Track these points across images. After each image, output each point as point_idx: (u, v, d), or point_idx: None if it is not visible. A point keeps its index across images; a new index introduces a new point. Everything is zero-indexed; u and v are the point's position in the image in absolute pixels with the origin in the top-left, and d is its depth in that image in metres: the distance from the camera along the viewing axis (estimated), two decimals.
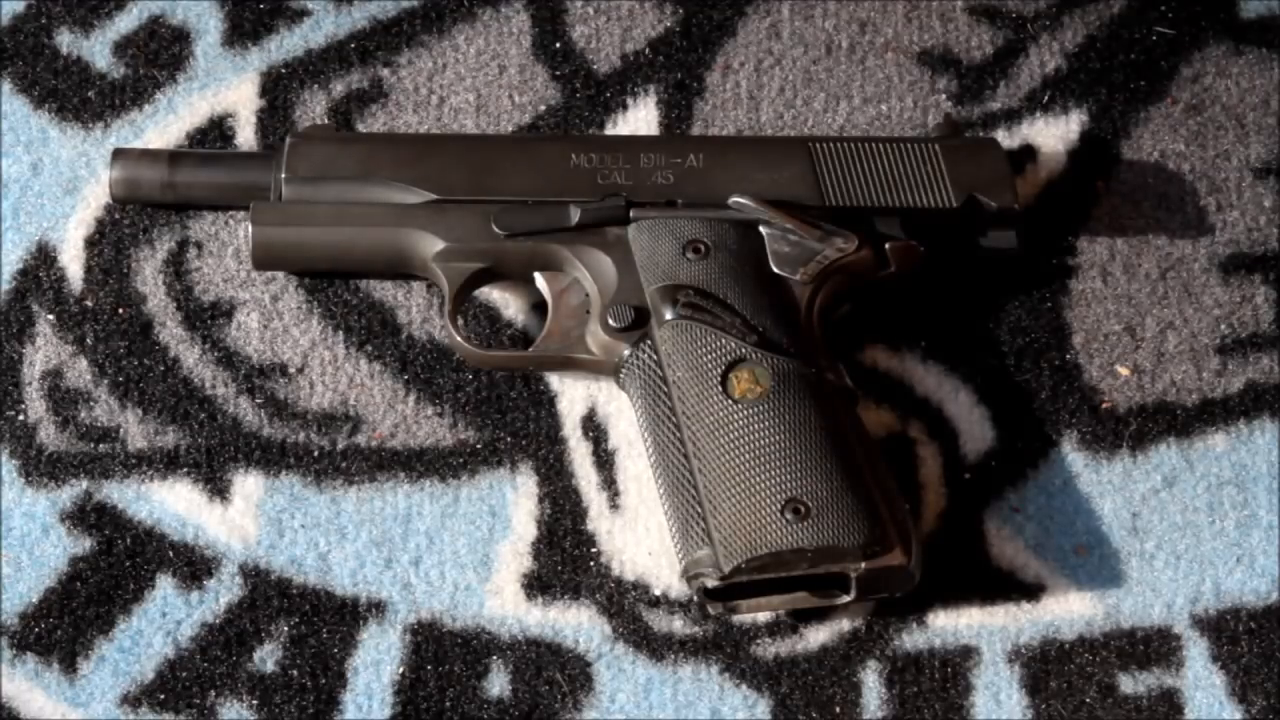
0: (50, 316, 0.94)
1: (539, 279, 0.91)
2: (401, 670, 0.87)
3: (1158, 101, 1.00)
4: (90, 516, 0.90)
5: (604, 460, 0.91)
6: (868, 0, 1.02)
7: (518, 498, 0.90)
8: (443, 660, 0.87)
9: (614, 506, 0.90)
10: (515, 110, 0.99)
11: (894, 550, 0.82)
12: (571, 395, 0.93)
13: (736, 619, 0.88)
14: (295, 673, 0.87)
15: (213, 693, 0.86)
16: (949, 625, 0.88)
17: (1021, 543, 0.90)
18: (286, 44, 1.00)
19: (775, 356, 0.85)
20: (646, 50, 1.01)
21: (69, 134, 0.98)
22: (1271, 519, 0.90)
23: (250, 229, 0.90)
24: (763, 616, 0.88)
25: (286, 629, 0.88)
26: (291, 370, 0.93)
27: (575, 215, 0.90)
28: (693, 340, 0.86)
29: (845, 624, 0.88)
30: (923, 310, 0.94)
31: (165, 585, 0.89)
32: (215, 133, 0.98)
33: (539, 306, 0.94)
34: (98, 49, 1.00)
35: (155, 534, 0.90)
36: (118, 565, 0.89)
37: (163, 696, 0.86)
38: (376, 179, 0.91)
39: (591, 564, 0.89)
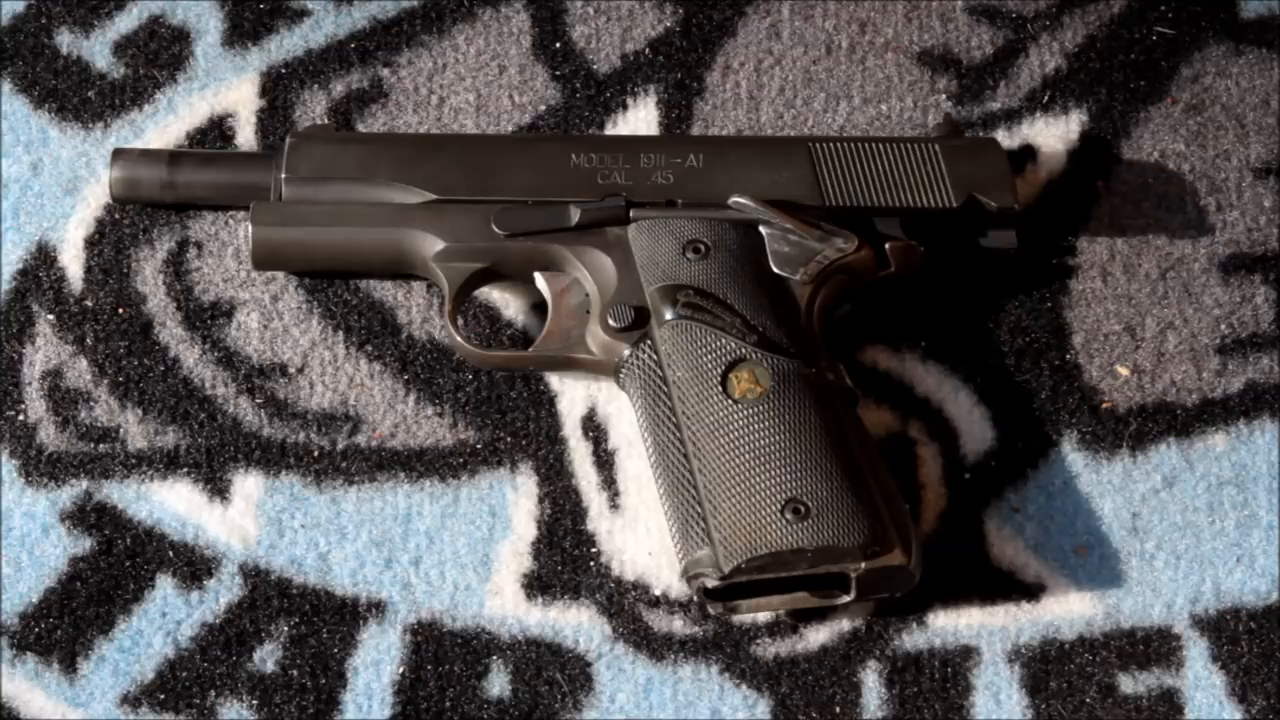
0: (50, 316, 0.94)
1: (539, 279, 0.91)
2: (401, 670, 0.87)
3: (1158, 101, 1.00)
4: (90, 516, 0.90)
5: (604, 460, 0.91)
6: (868, 0, 1.02)
7: (518, 498, 0.91)
8: (443, 660, 0.87)
9: (614, 506, 0.90)
10: (515, 110, 0.99)
11: (894, 550, 0.82)
12: (571, 395, 0.93)
13: (736, 619, 0.88)
14: (295, 673, 0.87)
15: (213, 693, 0.86)
16: (949, 625, 0.88)
17: (1021, 543, 0.90)
18: (286, 44, 1.00)
19: (775, 356, 0.85)
20: (646, 50, 1.01)
21: (69, 134, 0.98)
22: (1271, 519, 0.90)
23: (250, 229, 0.90)
24: (763, 616, 0.88)
25: (286, 629, 0.88)
26: (291, 370, 0.93)
27: (575, 215, 0.90)
28: (693, 340, 0.86)
29: (845, 624, 0.88)
30: (923, 310, 0.94)
31: (165, 585, 0.89)
32: (215, 133, 0.98)
33: (539, 306, 0.94)
34: (98, 49, 1.00)
35: (155, 534, 0.90)
36: (118, 565, 0.89)
37: (163, 696, 0.86)
38: (376, 179, 0.91)
39: (591, 564, 0.89)
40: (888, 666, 0.87)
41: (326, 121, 0.98)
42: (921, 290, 0.93)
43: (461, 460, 0.91)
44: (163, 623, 0.88)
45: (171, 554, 0.89)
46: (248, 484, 0.91)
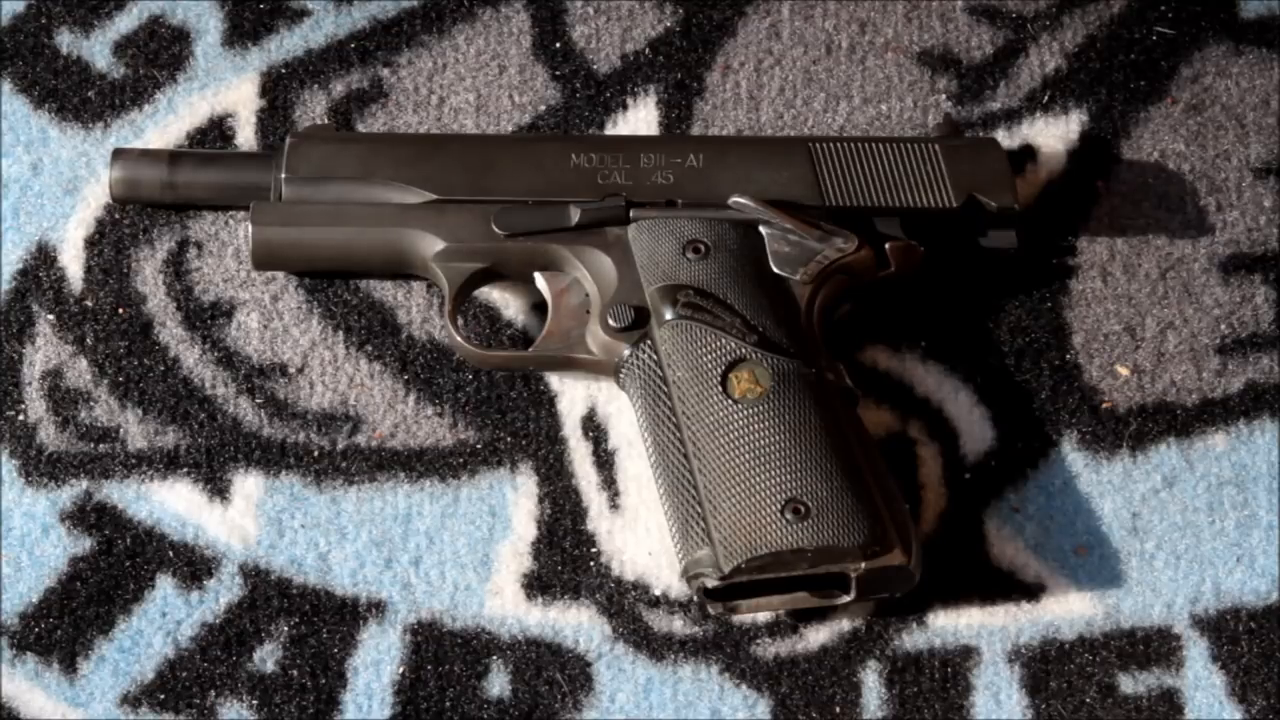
0: (50, 316, 0.94)
1: (539, 279, 0.91)
2: (401, 670, 0.87)
3: (1158, 101, 1.00)
4: (90, 516, 0.90)
5: (604, 460, 0.91)
6: (868, 0, 1.02)
7: (518, 498, 0.91)
8: (443, 660, 0.87)
9: (614, 506, 0.90)
10: (515, 110, 0.99)
11: (894, 550, 0.82)
12: (571, 395, 0.93)
13: (736, 619, 0.88)
14: (295, 673, 0.87)
15: (213, 693, 0.86)
16: (949, 625, 0.88)
17: (1021, 543, 0.90)
18: (286, 44, 1.00)
19: (775, 356, 0.85)
20: (646, 50, 1.01)
21: (69, 134, 0.98)
22: (1271, 519, 0.90)
23: (250, 229, 0.90)
24: (763, 616, 0.88)
25: (286, 629, 0.88)
26: (291, 370, 0.93)
27: (575, 215, 0.90)
28: (693, 340, 0.86)
29: (845, 624, 0.88)
30: (923, 310, 0.94)
31: (165, 585, 0.89)
32: (215, 133, 0.98)
33: (539, 306, 0.94)
34: (98, 49, 1.00)
35: (155, 534, 0.90)
36: (118, 565, 0.89)
37: (163, 696, 0.86)
38: (376, 179, 0.91)
39: (591, 564, 0.89)
40: (888, 666, 0.87)
41: (326, 121, 0.98)
42: (921, 290, 0.93)
43: (461, 460, 0.91)
44: (163, 623, 0.88)
45: (171, 554, 0.89)
46: (248, 484, 0.91)
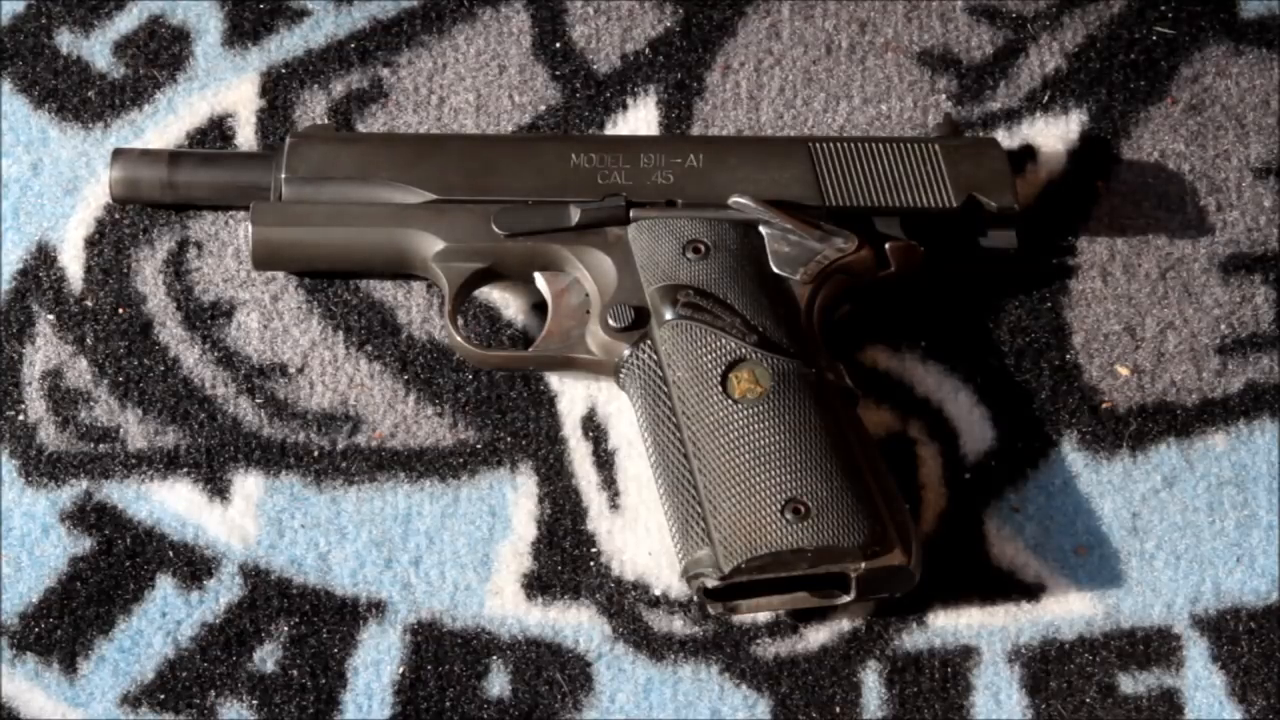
0: (50, 316, 0.94)
1: (539, 279, 0.91)
2: (401, 670, 0.87)
3: (1158, 101, 1.00)
4: (90, 516, 0.90)
5: (604, 460, 0.91)
6: (868, 0, 1.02)
7: (518, 498, 0.91)
8: (443, 660, 0.87)
9: (614, 506, 0.90)
10: (515, 110, 0.99)
11: (894, 550, 0.82)
12: (571, 395, 0.93)
13: (736, 619, 0.88)
14: (295, 673, 0.87)
15: (213, 693, 0.86)
16: (949, 625, 0.88)
17: (1021, 543, 0.90)
18: (286, 44, 1.00)
19: (775, 356, 0.85)
20: (646, 50, 1.01)
21: (69, 134, 0.98)
22: (1271, 519, 0.90)
23: (250, 229, 0.90)
24: (763, 616, 0.88)
25: (286, 629, 0.88)
26: (291, 370, 0.93)
27: (575, 215, 0.90)
28: (693, 340, 0.86)
29: (845, 624, 0.88)
30: (923, 310, 0.94)
31: (165, 585, 0.89)
32: (215, 133, 0.98)
33: (539, 306, 0.94)
34: (98, 49, 1.00)
35: (155, 534, 0.90)
36: (118, 565, 0.89)
37: (163, 696, 0.86)
38: (376, 179, 0.91)
39: (591, 564, 0.89)
40: (888, 666, 0.87)
41: (326, 121, 0.98)
42: (921, 290, 0.93)
43: (461, 460, 0.91)
44: (163, 623, 0.88)
45: (171, 554, 0.89)
46: (248, 484, 0.91)
